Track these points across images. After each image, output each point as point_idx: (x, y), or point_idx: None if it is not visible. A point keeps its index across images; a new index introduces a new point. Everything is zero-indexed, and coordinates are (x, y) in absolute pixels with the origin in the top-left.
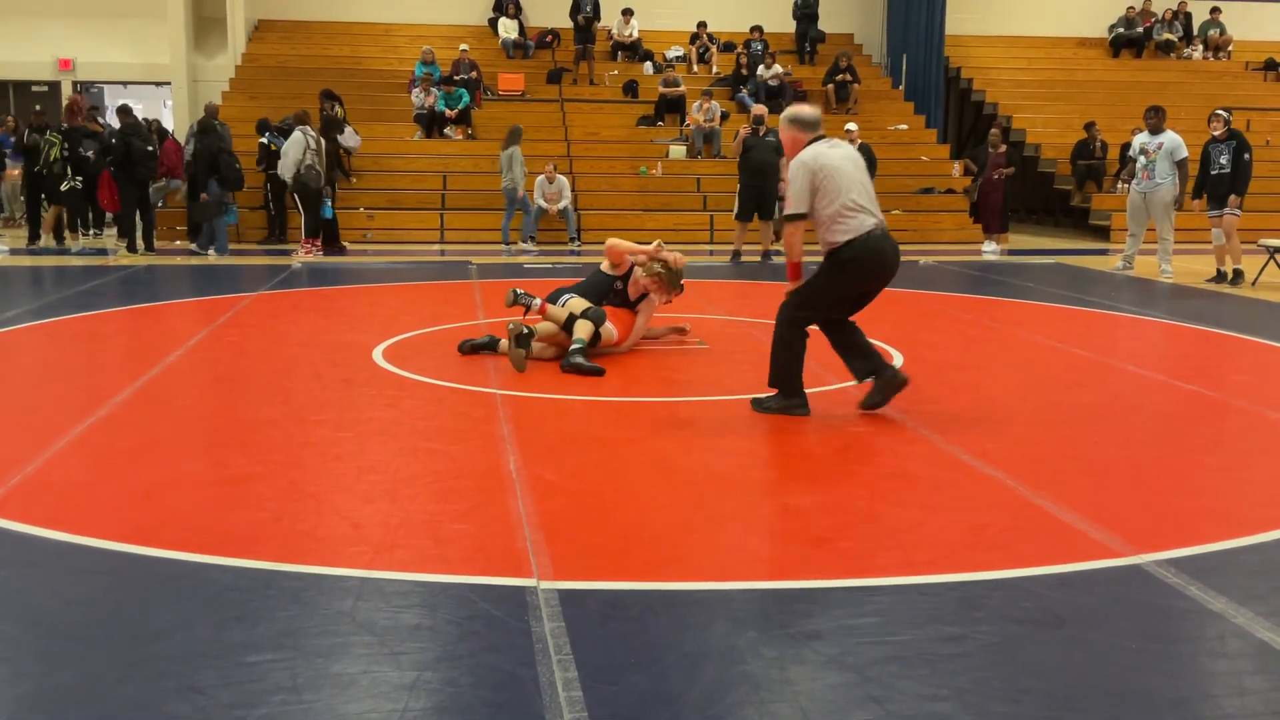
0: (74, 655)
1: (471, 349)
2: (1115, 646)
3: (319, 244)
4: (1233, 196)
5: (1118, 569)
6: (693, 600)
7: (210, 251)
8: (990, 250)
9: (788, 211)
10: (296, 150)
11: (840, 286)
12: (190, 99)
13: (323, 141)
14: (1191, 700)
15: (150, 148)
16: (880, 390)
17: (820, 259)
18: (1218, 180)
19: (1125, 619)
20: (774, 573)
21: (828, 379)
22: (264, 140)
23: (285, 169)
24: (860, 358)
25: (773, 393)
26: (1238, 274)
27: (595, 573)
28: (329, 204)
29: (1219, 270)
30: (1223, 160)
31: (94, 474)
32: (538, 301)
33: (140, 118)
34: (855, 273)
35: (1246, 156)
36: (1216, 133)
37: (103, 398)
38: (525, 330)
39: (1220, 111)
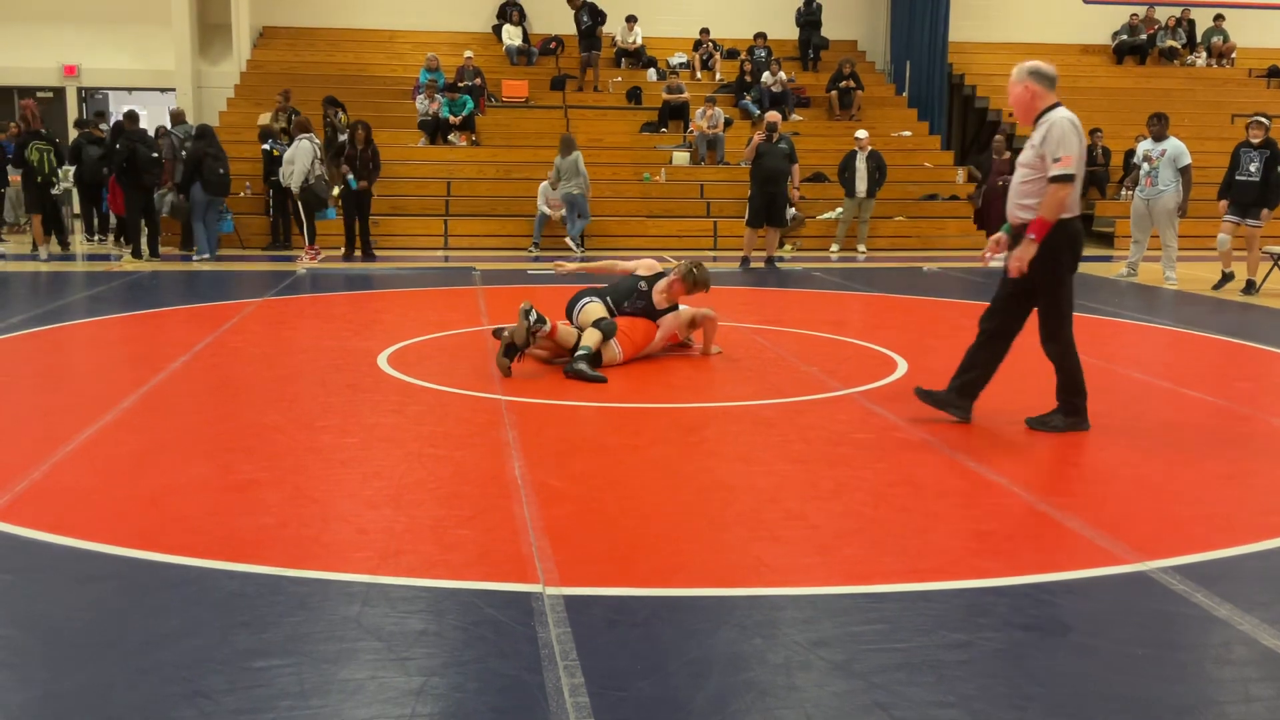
0: (80, 661)
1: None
2: (1121, 653)
3: (320, 250)
4: (1265, 210)
5: (1123, 576)
6: (699, 607)
7: (194, 258)
8: (997, 260)
9: (1065, 171)
10: (305, 159)
11: (1071, 264)
12: (195, 105)
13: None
14: (1197, 707)
15: (155, 154)
16: (936, 399)
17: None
18: (1244, 187)
19: (1131, 626)
20: (779, 579)
21: (831, 385)
22: (266, 147)
23: (294, 178)
24: (975, 378)
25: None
26: (1250, 284)
27: (601, 579)
28: (332, 210)
29: (1225, 273)
30: (1252, 167)
31: (100, 479)
32: (548, 326)
33: (145, 123)
34: (1077, 249)
35: (1279, 170)
36: (1255, 139)
37: (108, 403)
38: (515, 342)
39: (1261, 119)
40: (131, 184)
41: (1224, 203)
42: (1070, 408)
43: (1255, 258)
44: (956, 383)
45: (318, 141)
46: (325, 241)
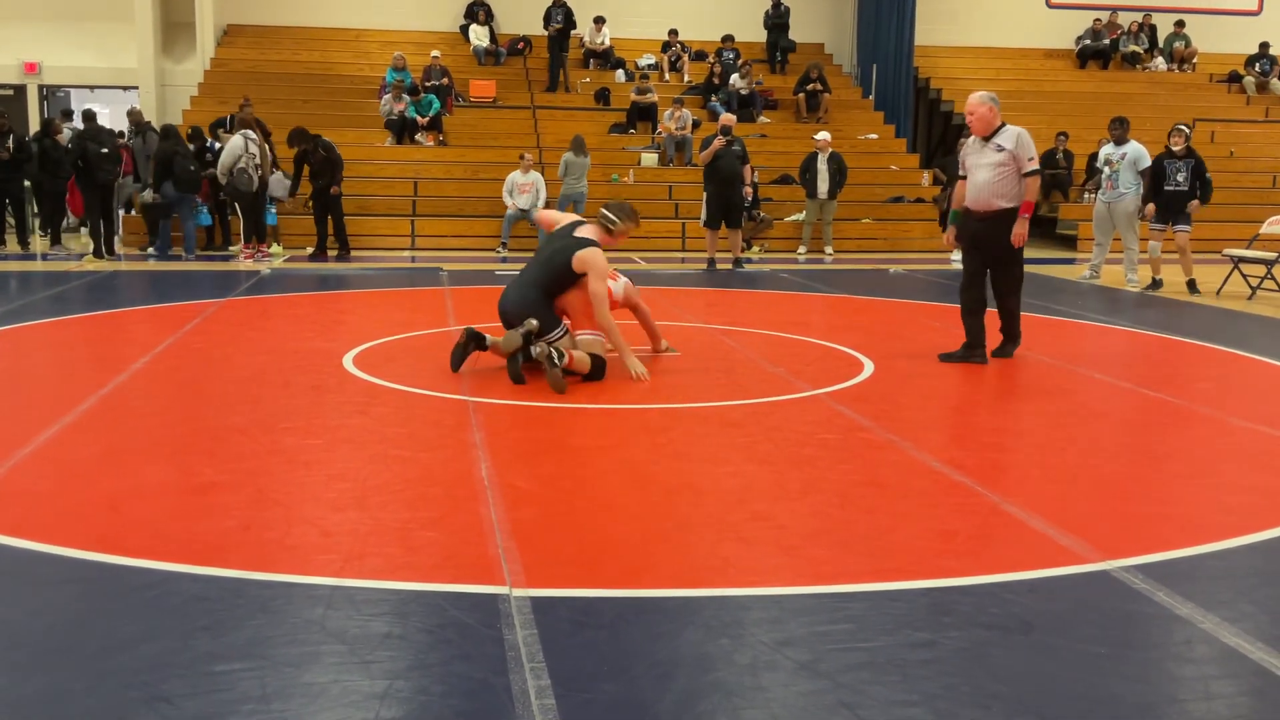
0: (39, 666)
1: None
2: (1083, 652)
3: (263, 248)
4: (1194, 206)
5: (1085, 575)
6: (665, 608)
7: (184, 256)
8: (959, 259)
9: (1035, 169)
10: (231, 155)
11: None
12: (158, 103)
13: (265, 149)
14: (1159, 705)
15: (105, 150)
16: (958, 356)
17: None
18: (1173, 196)
19: (1093, 624)
20: (746, 580)
21: (798, 386)
22: (213, 144)
23: (219, 169)
24: (979, 332)
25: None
26: (1191, 284)
27: (567, 580)
28: (272, 209)
29: (1155, 279)
30: (1180, 177)
31: (59, 482)
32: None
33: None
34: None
35: (1208, 176)
36: (1176, 148)
37: (68, 405)
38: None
39: (1182, 127)
40: (86, 183)
41: (1150, 207)
42: (1014, 338)
43: (1189, 262)
44: (974, 341)
45: (252, 137)
46: (298, 241)
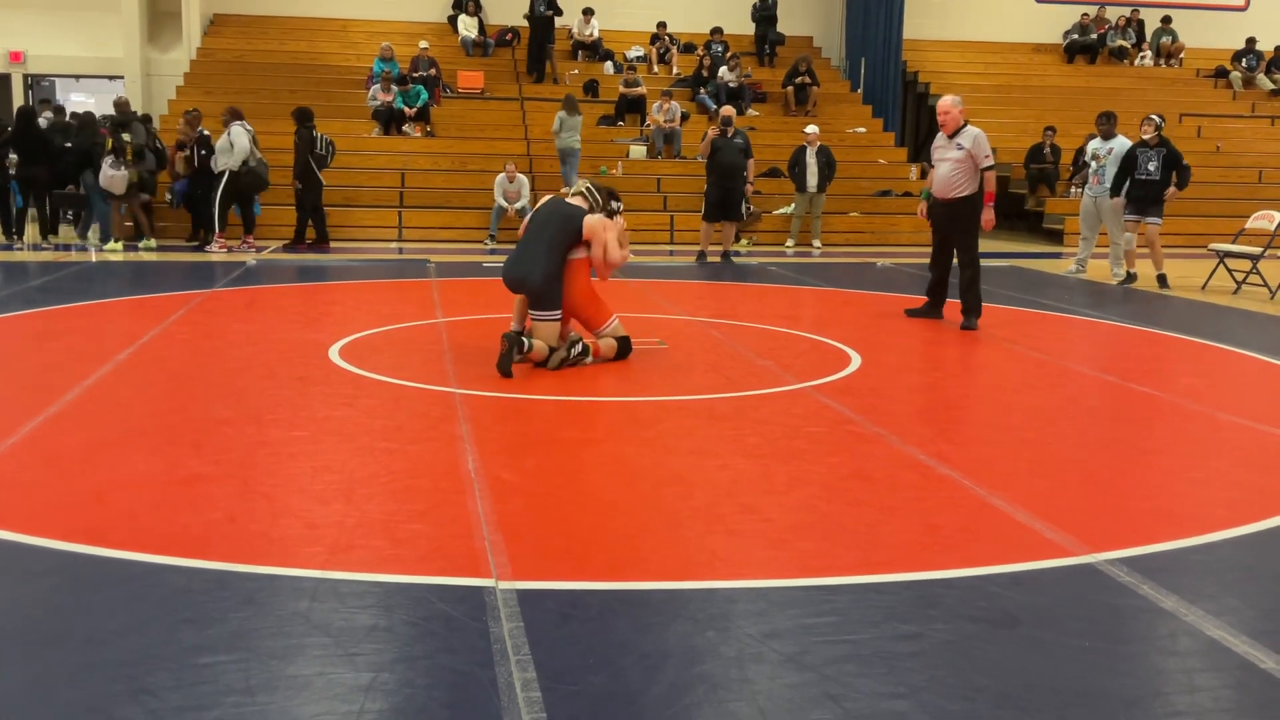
0: (22, 658)
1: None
2: (1068, 645)
3: (249, 239)
4: (1170, 196)
5: (1071, 568)
6: (652, 600)
7: (89, 241)
8: None
9: (990, 164)
10: (243, 142)
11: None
12: (144, 93)
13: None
14: (1143, 698)
15: (69, 144)
16: (924, 312)
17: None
18: (1144, 186)
19: (1078, 618)
20: (732, 573)
21: (786, 379)
22: (204, 131)
23: (233, 160)
24: (941, 293)
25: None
26: (1161, 278)
27: (554, 573)
28: (257, 206)
29: (1129, 272)
30: (1151, 166)
31: (43, 474)
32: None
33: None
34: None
35: (1185, 163)
36: (1146, 136)
37: (52, 396)
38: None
39: (1153, 117)
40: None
41: (1119, 201)
42: (975, 310)
43: (1159, 255)
44: (937, 300)
45: (249, 128)
46: (278, 233)
